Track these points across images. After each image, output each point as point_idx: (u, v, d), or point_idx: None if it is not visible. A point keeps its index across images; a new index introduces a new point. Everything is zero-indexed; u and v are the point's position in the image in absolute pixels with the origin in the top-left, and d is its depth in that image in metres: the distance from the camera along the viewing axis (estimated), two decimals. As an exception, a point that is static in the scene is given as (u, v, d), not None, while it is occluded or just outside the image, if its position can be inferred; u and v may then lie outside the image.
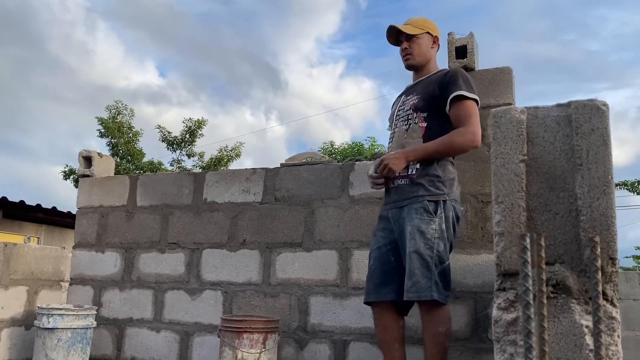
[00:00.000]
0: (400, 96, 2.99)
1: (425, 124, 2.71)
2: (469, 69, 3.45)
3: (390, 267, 2.67)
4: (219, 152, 16.59)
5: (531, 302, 0.79)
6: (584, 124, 1.07)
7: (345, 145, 22.52)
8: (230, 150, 16.65)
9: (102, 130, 15.41)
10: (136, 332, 3.76)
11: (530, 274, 0.82)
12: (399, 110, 2.87)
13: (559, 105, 1.12)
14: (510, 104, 3.35)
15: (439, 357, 2.52)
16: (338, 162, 3.69)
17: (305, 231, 3.50)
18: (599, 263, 0.87)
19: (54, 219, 8.99)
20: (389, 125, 2.98)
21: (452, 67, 3.42)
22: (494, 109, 1.13)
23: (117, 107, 15.65)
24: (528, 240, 0.82)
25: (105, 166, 4.34)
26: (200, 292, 3.67)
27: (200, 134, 16.55)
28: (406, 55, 2.90)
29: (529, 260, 0.82)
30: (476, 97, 2.67)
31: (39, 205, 8.34)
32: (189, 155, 16.65)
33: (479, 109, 2.79)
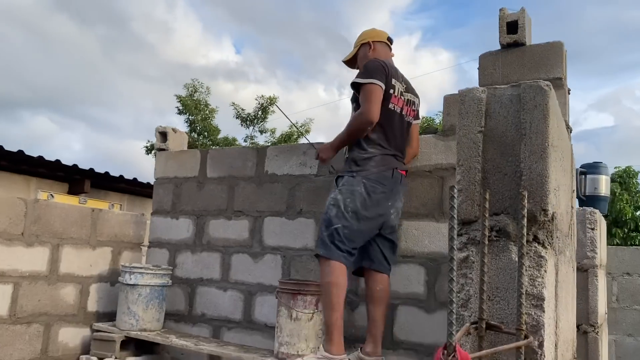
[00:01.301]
0: None
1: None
2: (519, 44, 3.55)
3: None
4: (290, 128, 17.07)
5: (455, 236, 1.03)
6: (530, 101, 1.28)
7: (416, 121, 22.33)
8: (301, 127, 17.08)
9: (181, 108, 16.25)
10: (206, 290, 4.20)
11: (456, 216, 1.05)
12: None
13: (512, 86, 1.33)
14: (561, 78, 3.44)
15: (325, 304, 3.02)
16: None
17: (357, 201, 3.75)
18: (524, 211, 1.09)
19: (135, 189, 9.85)
20: None
21: (500, 42, 3.54)
22: (460, 89, 1.35)
23: (194, 85, 16.43)
24: (456, 190, 1.05)
25: (179, 141, 4.79)
26: (262, 255, 4.04)
27: (271, 111, 17.08)
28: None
29: (456, 206, 1.05)
30: (368, 80, 3.10)
31: (121, 176, 9.19)
32: (261, 132, 17.27)
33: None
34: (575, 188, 1.87)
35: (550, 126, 1.27)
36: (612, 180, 16.19)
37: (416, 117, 3.47)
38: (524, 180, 1.26)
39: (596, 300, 2.68)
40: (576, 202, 3.72)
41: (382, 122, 3.12)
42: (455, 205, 1.07)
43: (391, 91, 3.16)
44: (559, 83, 3.37)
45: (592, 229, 2.73)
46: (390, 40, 3.46)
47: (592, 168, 3.47)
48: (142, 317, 3.92)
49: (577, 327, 2.78)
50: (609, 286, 5.00)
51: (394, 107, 3.20)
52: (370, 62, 3.19)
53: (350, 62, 3.50)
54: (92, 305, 4.20)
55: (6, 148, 7.72)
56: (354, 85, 3.14)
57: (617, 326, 5.01)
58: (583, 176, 3.43)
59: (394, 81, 3.19)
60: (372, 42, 3.37)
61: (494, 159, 1.31)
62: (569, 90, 3.46)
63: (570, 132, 3.48)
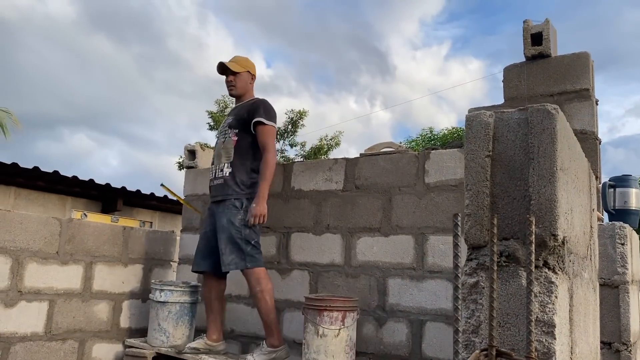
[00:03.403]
0: (226, 117, 4.10)
1: (236, 138, 3.80)
2: (544, 55, 3.52)
3: (211, 246, 3.77)
4: (319, 142, 17.14)
5: (459, 264, 1.03)
6: (537, 125, 1.27)
7: (445, 131, 22.16)
8: (330, 140, 17.13)
9: (212, 124, 16.49)
10: (234, 307, 4.24)
11: (460, 244, 1.05)
12: (221, 127, 3.98)
13: (519, 110, 1.32)
14: (588, 89, 3.39)
15: (265, 310, 3.58)
16: (435, 149, 3.87)
17: (383, 217, 3.76)
18: (532, 237, 1.08)
19: (165, 206, 10.05)
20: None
21: (525, 54, 3.52)
22: (468, 114, 1.35)
23: (225, 101, 16.66)
24: (459, 218, 1.05)
25: (207, 158, 4.86)
26: (289, 271, 4.06)
27: (301, 125, 17.19)
28: (230, 87, 3.96)
29: (460, 233, 1.05)
30: (271, 123, 3.79)
31: (152, 194, 9.40)
32: (291, 145, 17.36)
33: (556, 94, 3.02)
34: (595, 205, 1.84)
35: (559, 150, 1.26)
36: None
37: None
38: (532, 205, 1.25)
39: (628, 318, 2.61)
40: (605, 217, 3.64)
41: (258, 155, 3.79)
42: (459, 233, 1.07)
43: None
44: (585, 94, 3.33)
45: (622, 244, 2.66)
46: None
47: (621, 181, 3.40)
48: (172, 334, 3.97)
49: (609, 345, 2.72)
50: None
51: None
52: (268, 103, 3.85)
53: (226, 70, 3.93)
54: (124, 322, 4.28)
55: (44, 168, 8.04)
56: (258, 122, 3.72)
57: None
58: (612, 190, 3.36)
59: None
60: (254, 75, 4.02)
61: (502, 184, 1.30)
62: (596, 100, 3.41)
63: (600, 144, 3.41)
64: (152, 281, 4.19)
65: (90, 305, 4.07)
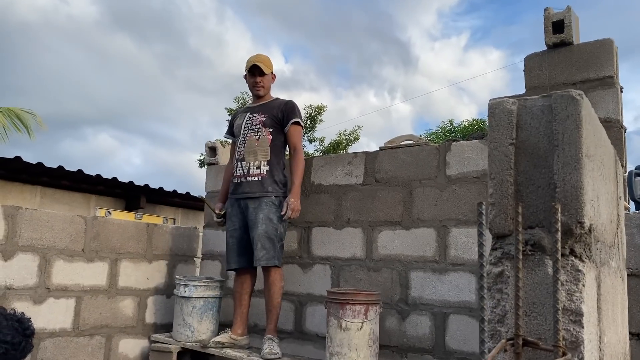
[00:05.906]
0: (244, 112, 4.11)
1: (271, 137, 3.88)
2: (566, 43, 3.46)
3: (245, 242, 3.85)
4: (338, 137, 17.12)
5: (485, 254, 1.01)
6: (561, 112, 1.25)
7: (466, 123, 21.92)
8: (349, 134, 17.09)
9: (231, 121, 16.55)
10: (257, 301, 4.26)
11: (484, 233, 1.03)
12: (247, 124, 3.99)
13: (543, 97, 1.30)
14: (612, 77, 3.32)
15: (279, 305, 3.81)
16: (455, 140, 3.84)
17: (404, 210, 3.74)
18: (558, 225, 1.06)
19: (188, 203, 10.13)
20: (227, 133, 4.25)
21: (546, 42, 3.46)
22: (490, 101, 1.33)
23: (243, 98, 16.73)
24: (484, 207, 1.03)
25: (228, 154, 4.86)
26: (311, 266, 4.07)
27: (320, 120, 17.17)
28: (259, 87, 4.01)
29: (485, 222, 1.03)
30: (302, 123, 4.03)
31: (175, 191, 9.48)
32: (310, 141, 17.36)
33: (579, 82, 3.02)
34: (622, 193, 1.80)
35: (584, 136, 1.24)
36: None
37: None
38: (557, 193, 1.23)
39: (656, 308, 2.56)
40: (632, 206, 3.57)
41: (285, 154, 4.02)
42: (484, 222, 1.06)
43: None
44: (610, 81, 3.26)
45: (650, 233, 2.61)
46: None
47: (648, 170, 3.32)
48: (197, 329, 4.01)
49: (637, 336, 2.67)
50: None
51: None
52: (295, 103, 3.96)
53: (255, 70, 3.94)
54: (149, 317, 4.34)
55: (69, 168, 8.15)
56: (297, 122, 3.89)
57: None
58: (639, 178, 3.29)
59: None
60: (274, 76, 4.10)
61: (526, 172, 1.28)
62: (621, 88, 3.34)
63: (625, 132, 3.35)
64: (176, 277, 4.23)
65: (116, 301, 4.13)
